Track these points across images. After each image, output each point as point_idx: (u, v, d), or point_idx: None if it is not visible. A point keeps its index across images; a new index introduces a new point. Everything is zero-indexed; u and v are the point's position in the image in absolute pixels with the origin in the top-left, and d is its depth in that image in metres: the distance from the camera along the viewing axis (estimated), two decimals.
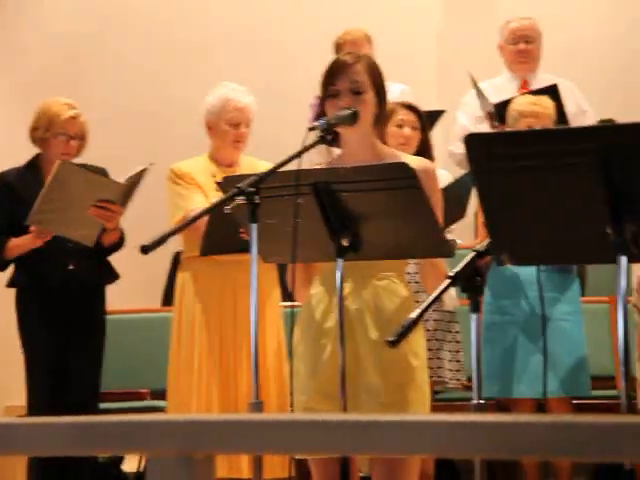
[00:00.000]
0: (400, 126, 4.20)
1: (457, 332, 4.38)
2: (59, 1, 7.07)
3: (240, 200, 2.64)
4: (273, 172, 2.71)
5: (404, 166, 2.66)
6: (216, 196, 3.79)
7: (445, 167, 5.29)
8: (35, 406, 4.34)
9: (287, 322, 4.22)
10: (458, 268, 2.31)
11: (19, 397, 4.78)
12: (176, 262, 5.09)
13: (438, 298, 2.31)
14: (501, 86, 5.44)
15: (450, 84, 6.27)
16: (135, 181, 4.29)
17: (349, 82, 2.91)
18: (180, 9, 7.07)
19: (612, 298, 4.87)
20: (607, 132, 1.98)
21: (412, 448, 1.48)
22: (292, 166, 2.76)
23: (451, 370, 4.37)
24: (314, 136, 2.82)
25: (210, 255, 4.22)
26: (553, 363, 4.46)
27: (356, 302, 2.90)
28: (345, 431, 1.44)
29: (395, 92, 5.09)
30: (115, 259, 4.59)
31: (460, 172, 5.25)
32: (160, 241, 2.49)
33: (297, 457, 3.35)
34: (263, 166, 3.98)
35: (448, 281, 2.32)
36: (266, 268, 4.25)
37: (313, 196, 2.75)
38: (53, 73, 6.84)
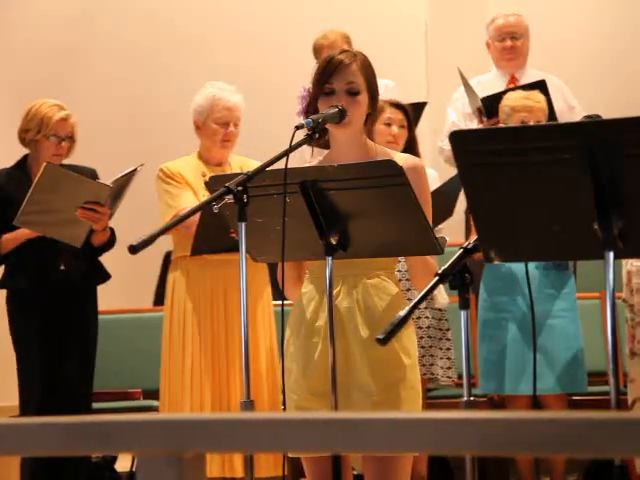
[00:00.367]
0: (388, 124, 4.21)
1: (447, 329, 4.39)
2: (47, 1, 7.06)
3: (228, 199, 2.64)
4: (261, 171, 2.71)
5: (391, 163, 2.66)
6: (206, 195, 3.80)
7: (433, 164, 5.31)
8: (27, 406, 4.34)
9: (278, 321, 4.23)
10: (447, 265, 2.32)
11: (10, 397, 4.78)
12: (167, 262, 5.10)
13: (427, 296, 2.31)
14: (490, 82, 5.45)
15: (440, 81, 6.28)
16: (124, 182, 4.29)
17: (345, 82, 2.92)
18: (167, 9, 7.06)
19: (602, 293, 4.89)
20: (592, 128, 1.98)
21: (402, 446, 1.48)
22: (281, 164, 2.76)
23: (442, 367, 4.38)
24: (302, 134, 2.82)
25: (200, 254, 4.22)
26: (549, 360, 4.47)
27: (346, 300, 2.90)
28: (336, 429, 1.44)
29: (379, 87, 5.09)
30: (106, 259, 4.59)
31: (448, 169, 5.27)
32: (148, 241, 2.49)
33: (290, 455, 3.34)
34: (254, 165, 3.98)
35: (437, 279, 2.32)
36: (257, 267, 4.25)
37: (301, 195, 2.75)
38: (40, 73, 6.83)
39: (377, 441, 1.44)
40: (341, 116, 2.88)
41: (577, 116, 5.27)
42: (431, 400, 4.78)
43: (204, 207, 2.72)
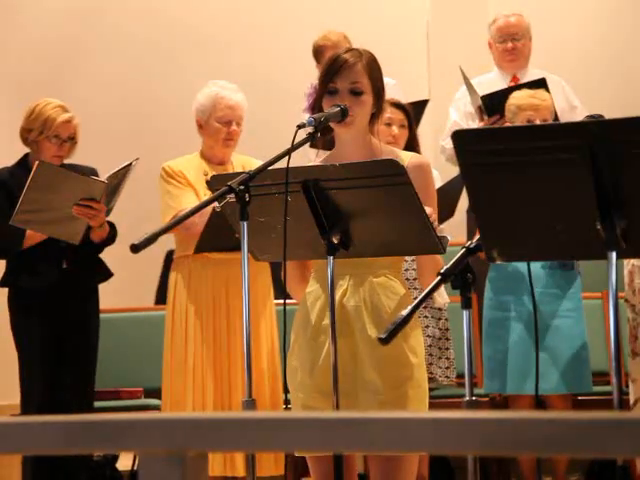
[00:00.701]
0: (388, 124, 4.21)
1: (447, 329, 4.39)
2: (43, 1, 7.05)
3: (230, 198, 2.64)
4: (263, 170, 2.71)
5: (393, 162, 2.66)
6: (208, 194, 3.79)
7: (434, 163, 5.30)
8: (28, 405, 4.34)
9: (281, 320, 4.23)
10: (449, 265, 2.32)
11: (11, 396, 4.78)
12: (169, 261, 5.10)
13: (430, 295, 2.31)
14: (492, 82, 5.45)
15: (442, 80, 6.27)
16: (120, 178, 4.29)
17: (349, 82, 2.91)
18: (170, 7, 7.06)
19: (605, 293, 4.89)
20: (594, 128, 1.98)
21: (403, 446, 1.48)
22: (283, 163, 2.76)
23: (441, 367, 4.38)
24: (304, 133, 2.82)
25: (204, 252, 4.22)
26: (554, 360, 4.47)
27: (353, 299, 2.90)
28: (336, 429, 1.44)
29: None
30: (108, 258, 4.59)
31: (450, 168, 5.27)
32: (149, 240, 2.49)
33: (296, 454, 3.34)
34: (256, 164, 3.98)
35: (439, 278, 2.32)
36: (259, 266, 4.26)
37: (303, 194, 2.75)
38: (41, 71, 6.83)
39: (378, 441, 1.44)
40: (343, 115, 2.88)
41: (579, 116, 5.27)
42: (432, 400, 4.77)
43: (205, 206, 2.72)
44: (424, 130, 5.13)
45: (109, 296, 4.85)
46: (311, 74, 5.83)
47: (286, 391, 4.50)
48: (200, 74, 6.09)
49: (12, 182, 4.42)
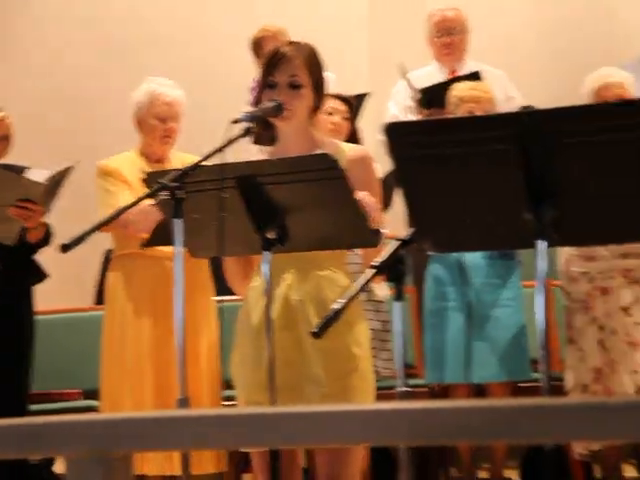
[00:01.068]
0: (330, 114, 4.21)
1: (386, 321, 4.41)
2: None
3: (164, 195, 2.62)
4: (196, 167, 2.69)
5: (327, 157, 2.66)
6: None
7: (375, 157, 5.29)
8: None
9: (221, 316, 4.21)
10: (382, 258, 2.32)
11: None
12: (107, 260, 5.05)
13: (363, 288, 2.31)
14: (430, 76, 5.47)
15: (382, 73, 6.29)
16: (58, 179, 4.24)
17: (287, 76, 2.91)
18: (106, 6, 6.98)
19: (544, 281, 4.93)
20: (524, 118, 1.99)
21: (330, 439, 1.48)
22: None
23: (383, 359, 4.39)
24: (240, 128, 2.80)
25: (155, 246, 4.15)
26: (494, 348, 4.51)
27: (298, 293, 2.90)
28: (258, 424, 1.43)
29: None
30: (46, 258, 4.53)
31: (390, 161, 5.27)
32: (79, 239, 2.46)
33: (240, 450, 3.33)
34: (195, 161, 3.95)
35: (372, 271, 2.32)
36: (198, 263, 4.23)
37: (238, 189, 2.74)
38: None
39: (303, 435, 1.43)
40: (278, 110, 2.87)
41: (516, 107, 5.31)
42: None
43: (137, 204, 2.69)
44: (364, 124, 5.13)
45: (47, 297, 4.78)
46: (252, 69, 5.82)
47: (227, 389, 4.49)
48: (138, 71, 6.03)
49: None
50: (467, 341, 4.48)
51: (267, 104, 2.87)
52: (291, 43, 3.00)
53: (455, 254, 4.43)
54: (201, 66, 6.78)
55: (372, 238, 2.71)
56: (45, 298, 4.76)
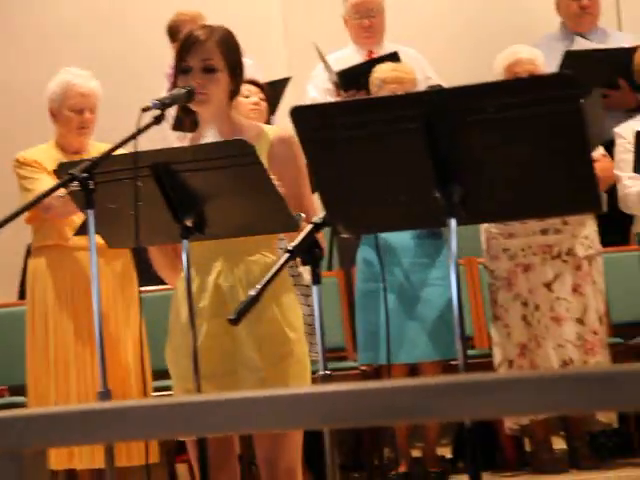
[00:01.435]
0: (247, 97, 4.20)
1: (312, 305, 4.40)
2: None
3: (74, 186, 2.59)
4: (107, 156, 2.66)
5: (242, 142, 2.64)
6: None
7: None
8: None
9: (145, 308, 4.17)
10: (296, 241, 2.32)
11: None
12: (29, 254, 4.98)
13: (278, 273, 2.31)
14: (348, 58, 5.48)
15: (300, 57, 6.27)
16: None
17: (200, 60, 2.87)
18: None
19: (466, 259, 4.98)
20: (430, 97, 2.00)
21: (244, 425, 1.48)
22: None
23: (311, 343, 4.39)
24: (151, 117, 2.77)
25: (84, 235, 4.10)
26: (424, 327, 4.55)
27: (228, 279, 2.88)
28: (174, 413, 1.43)
29: None
30: None
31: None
32: None
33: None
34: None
35: (287, 255, 2.32)
36: (121, 254, 4.19)
37: (153, 178, 2.72)
38: None
39: (220, 422, 1.43)
40: (189, 96, 2.84)
41: None
42: None
43: (48, 195, 2.65)
44: (284, 108, 5.12)
45: None
46: (169, 55, 5.76)
47: (157, 379, 4.45)
48: (54, 59, 5.95)
49: None
50: (399, 321, 4.50)
51: (177, 91, 2.85)
52: (204, 26, 2.96)
53: (383, 235, 4.45)
54: (118, 54, 6.69)
55: (291, 223, 2.70)
56: None
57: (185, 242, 2.77)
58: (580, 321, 4.51)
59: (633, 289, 4.90)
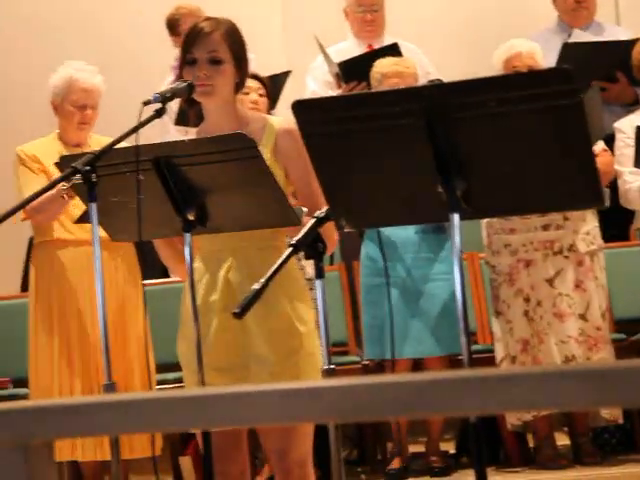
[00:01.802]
0: (246, 93, 4.19)
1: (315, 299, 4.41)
2: None
3: (76, 179, 2.59)
4: (109, 149, 2.67)
5: (243, 136, 2.65)
6: None
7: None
8: None
9: (149, 302, 4.18)
10: (299, 235, 2.32)
11: None
12: (32, 247, 4.98)
13: (281, 267, 2.32)
14: (348, 51, 5.47)
15: (299, 50, 6.26)
16: None
17: (206, 52, 2.88)
18: None
19: (468, 255, 4.98)
20: (429, 92, 2.00)
21: (250, 419, 1.48)
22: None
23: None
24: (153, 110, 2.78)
25: (84, 223, 4.11)
26: (429, 323, 4.54)
27: (238, 273, 2.88)
28: (180, 406, 1.43)
29: None
30: None
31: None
32: None
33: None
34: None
35: (290, 249, 2.32)
36: (124, 247, 4.20)
37: (155, 171, 2.72)
38: None
39: (227, 415, 1.43)
40: (190, 90, 2.84)
41: None
42: None
43: (50, 189, 2.66)
44: (284, 101, 5.11)
45: None
46: (171, 48, 5.77)
47: (160, 372, 4.45)
48: (57, 50, 5.95)
49: None
50: (403, 316, 4.50)
51: (178, 84, 2.85)
52: (210, 19, 2.97)
53: (386, 230, 4.45)
54: (120, 46, 6.69)
55: (292, 217, 2.71)
56: None
57: (187, 235, 2.77)
58: (583, 317, 4.51)
59: (635, 285, 4.90)
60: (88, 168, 2.58)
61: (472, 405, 1.38)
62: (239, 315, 2.27)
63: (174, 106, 4.95)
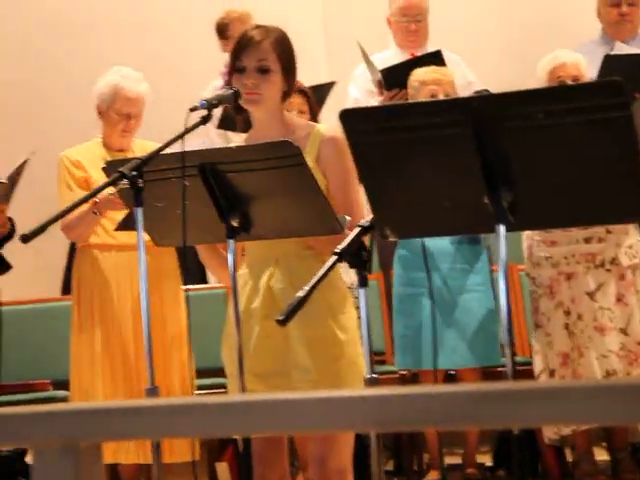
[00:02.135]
0: (288, 111, 4.19)
1: (356, 307, 4.41)
2: None
3: (123, 184, 2.62)
4: (155, 155, 2.69)
5: (288, 144, 2.66)
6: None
7: None
8: None
9: (189, 305, 4.20)
10: (344, 244, 2.33)
11: None
12: (74, 250, 5.03)
13: (326, 274, 2.32)
14: (389, 60, 5.46)
15: (340, 58, 6.28)
16: (17, 174, 4.21)
17: (255, 60, 2.90)
18: None
19: (511, 266, 4.96)
20: (477, 103, 2.00)
21: (294, 426, 1.48)
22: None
23: None
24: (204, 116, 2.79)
25: (126, 230, 4.14)
26: (463, 334, 4.53)
27: (280, 281, 2.90)
28: (224, 412, 1.44)
29: None
30: (13, 249, 4.50)
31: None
32: (40, 230, 2.46)
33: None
34: None
35: (335, 257, 2.33)
36: (165, 252, 4.22)
37: (200, 177, 2.74)
38: None
39: (270, 422, 1.44)
40: (236, 97, 2.86)
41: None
42: None
43: (97, 194, 2.68)
44: (325, 107, 5.12)
45: (15, 288, 4.76)
46: (214, 54, 5.80)
47: (199, 378, 4.47)
48: (96, 59, 5.99)
49: None
50: (436, 327, 4.49)
51: (224, 91, 2.87)
52: (259, 27, 2.98)
53: (421, 240, 4.43)
54: (163, 52, 6.74)
55: (336, 225, 2.71)
56: (12, 289, 4.73)
57: (231, 241, 2.79)
58: (624, 331, 4.47)
59: None
60: (135, 173, 2.60)
61: (516, 418, 1.37)
62: (283, 322, 2.28)
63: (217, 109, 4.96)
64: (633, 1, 5.52)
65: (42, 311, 5.31)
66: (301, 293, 2.30)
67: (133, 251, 4.15)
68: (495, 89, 2.34)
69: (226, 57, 2.92)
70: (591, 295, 4.47)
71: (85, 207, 4.00)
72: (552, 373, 4.51)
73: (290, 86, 2.96)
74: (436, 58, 4.89)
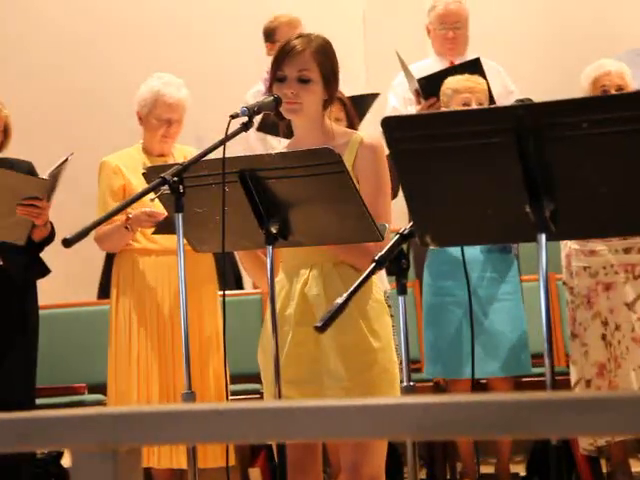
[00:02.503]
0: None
1: (390, 315, 4.40)
2: None
3: (164, 190, 2.63)
4: (196, 161, 2.70)
5: (328, 151, 2.66)
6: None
7: None
8: None
9: (226, 311, 4.22)
10: (383, 251, 2.33)
11: None
12: (111, 254, 5.06)
13: (365, 282, 2.32)
14: (428, 68, 5.45)
15: (380, 67, 6.28)
16: (57, 173, 4.24)
17: (296, 70, 2.90)
18: None
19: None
20: (520, 111, 2.00)
21: (334, 433, 1.48)
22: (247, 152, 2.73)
23: None
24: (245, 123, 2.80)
25: (164, 233, 4.17)
26: (494, 343, 4.51)
27: (315, 288, 2.90)
28: (265, 418, 1.44)
29: None
30: (50, 253, 4.53)
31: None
32: (82, 234, 2.48)
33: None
34: None
35: (374, 265, 2.33)
36: (203, 257, 4.24)
37: (240, 184, 2.75)
38: None
39: (307, 429, 1.44)
40: (277, 105, 2.87)
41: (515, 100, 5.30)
42: None
43: (138, 199, 2.70)
44: (366, 118, 5.13)
45: (53, 292, 4.79)
46: (254, 61, 5.82)
47: (233, 383, 4.47)
48: (137, 66, 6.04)
49: None
50: (467, 336, 4.47)
51: (265, 98, 2.88)
52: (302, 36, 2.98)
53: (452, 248, 4.43)
54: (204, 58, 6.78)
55: (376, 233, 2.71)
56: (51, 293, 4.77)
57: (269, 248, 2.79)
58: None
59: None
60: (176, 179, 2.61)
61: (553, 428, 1.37)
62: (321, 329, 2.27)
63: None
64: None
65: (80, 315, 5.34)
66: (339, 300, 2.30)
67: (172, 255, 4.20)
68: (534, 98, 2.33)
69: (268, 62, 2.92)
70: (629, 306, 4.44)
71: (119, 219, 4.04)
72: (588, 383, 4.48)
73: (331, 95, 2.96)
74: (475, 66, 4.87)
